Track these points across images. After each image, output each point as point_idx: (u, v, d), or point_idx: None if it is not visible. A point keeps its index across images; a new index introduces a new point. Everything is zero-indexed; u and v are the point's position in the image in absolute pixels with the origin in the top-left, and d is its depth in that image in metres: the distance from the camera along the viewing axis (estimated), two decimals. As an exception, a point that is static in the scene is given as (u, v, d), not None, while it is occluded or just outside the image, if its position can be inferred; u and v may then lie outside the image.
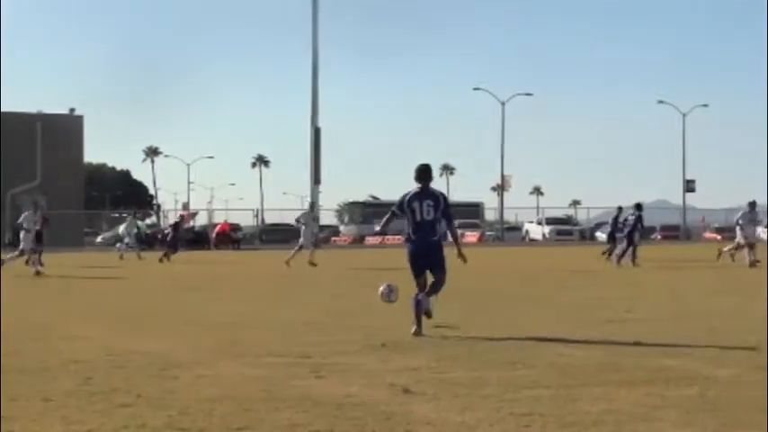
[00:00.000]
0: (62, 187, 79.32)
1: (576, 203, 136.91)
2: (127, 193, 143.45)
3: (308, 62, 73.78)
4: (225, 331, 14.57)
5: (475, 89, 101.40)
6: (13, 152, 77.46)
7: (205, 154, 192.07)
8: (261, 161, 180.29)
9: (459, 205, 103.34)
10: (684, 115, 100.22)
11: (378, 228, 16.05)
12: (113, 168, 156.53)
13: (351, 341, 12.97)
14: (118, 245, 51.03)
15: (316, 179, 74.78)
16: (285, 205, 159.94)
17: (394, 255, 47.77)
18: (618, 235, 38.60)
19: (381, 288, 14.84)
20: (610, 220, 40.59)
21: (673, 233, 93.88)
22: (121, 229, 51.57)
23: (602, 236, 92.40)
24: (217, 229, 77.72)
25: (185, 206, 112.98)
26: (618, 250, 37.34)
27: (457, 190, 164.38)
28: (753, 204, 36.10)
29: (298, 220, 38.52)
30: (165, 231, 57.21)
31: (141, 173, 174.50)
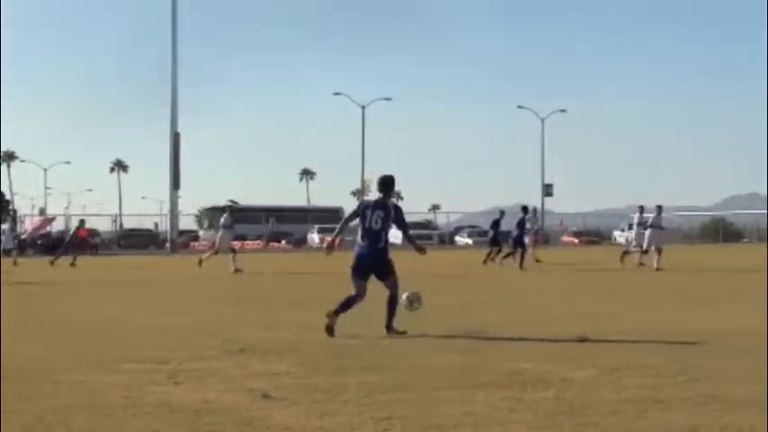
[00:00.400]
0: None
1: (435, 208, 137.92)
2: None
3: (168, 65, 73.10)
4: (83, 337, 14.37)
5: (335, 94, 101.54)
6: None
7: (62, 159, 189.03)
8: (119, 166, 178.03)
9: (318, 210, 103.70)
10: (543, 120, 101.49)
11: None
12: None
13: (210, 346, 12.86)
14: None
15: (175, 184, 74.10)
16: (144, 210, 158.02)
17: (252, 260, 47.66)
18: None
19: (404, 296, 15.01)
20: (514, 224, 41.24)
21: (533, 237, 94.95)
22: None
23: (462, 240, 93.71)
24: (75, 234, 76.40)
25: (42, 212, 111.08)
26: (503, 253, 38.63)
27: (317, 195, 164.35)
28: (660, 208, 36.95)
29: (225, 225, 37.74)
30: (22, 236, 56.10)
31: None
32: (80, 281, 32.24)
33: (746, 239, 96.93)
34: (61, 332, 15.11)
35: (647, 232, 36.58)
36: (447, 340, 13.52)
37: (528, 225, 40.73)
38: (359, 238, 14.98)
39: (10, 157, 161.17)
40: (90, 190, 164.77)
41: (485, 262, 40.06)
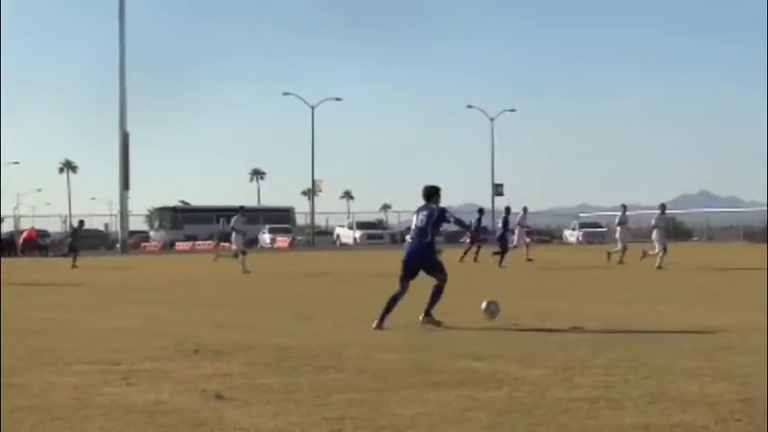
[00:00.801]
0: None
1: (386, 207, 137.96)
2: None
3: (116, 65, 72.68)
4: (34, 339, 14.26)
5: (285, 94, 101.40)
6: None
7: (10, 159, 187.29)
8: (68, 166, 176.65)
9: (269, 210, 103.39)
10: (492, 120, 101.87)
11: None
12: None
13: (163, 347, 12.83)
14: None
15: (125, 184, 73.74)
16: (94, 211, 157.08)
17: (203, 260, 47.54)
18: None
19: (484, 303, 16.09)
20: (500, 222, 42.19)
21: (481, 236, 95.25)
22: None
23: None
24: (23, 235, 76.08)
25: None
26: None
27: (267, 195, 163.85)
28: (663, 207, 37.07)
29: (234, 228, 37.37)
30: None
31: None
32: (29, 282, 31.99)
33: (696, 238, 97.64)
34: (10, 334, 14.98)
35: (654, 233, 36.70)
36: (399, 339, 13.53)
37: (515, 224, 42.84)
38: (408, 237, 16.45)
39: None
40: (39, 190, 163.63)
41: (461, 259, 40.94)
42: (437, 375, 10.26)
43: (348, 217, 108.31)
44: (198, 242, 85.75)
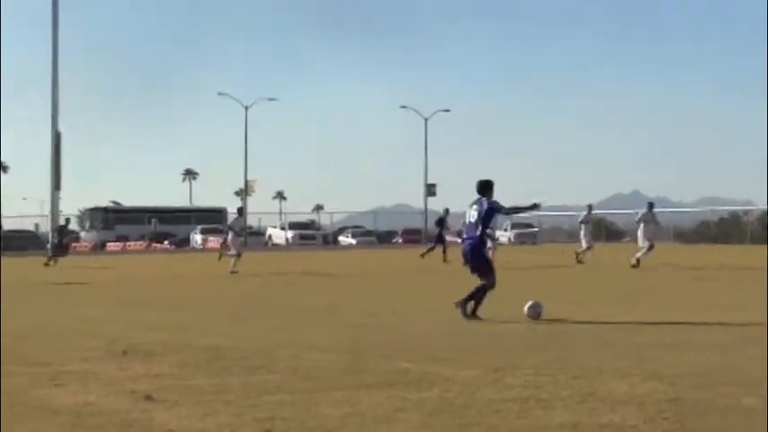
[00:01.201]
0: None
1: (319, 208, 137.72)
2: None
3: (48, 64, 71.96)
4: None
5: (219, 94, 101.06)
6: None
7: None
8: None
9: (201, 210, 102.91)
10: (426, 120, 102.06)
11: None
12: None
13: (92, 348, 12.72)
14: None
15: (56, 185, 73.02)
16: (25, 211, 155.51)
17: (134, 261, 47.28)
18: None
19: (527, 306, 16.24)
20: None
21: (414, 237, 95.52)
22: None
23: (345, 240, 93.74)
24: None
25: None
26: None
27: (200, 195, 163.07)
28: (651, 205, 36.51)
29: (231, 228, 37.61)
30: None
31: None
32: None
33: (628, 238, 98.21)
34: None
35: (641, 228, 36.93)
36: (331, 340, 13.51)
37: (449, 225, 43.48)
38: (463, 234, 17.03)
39: None
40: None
41: (423, 255, 42.51)
42: (368, 376, 10.25)
43: (280, 217, 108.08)
44: (129, 243, 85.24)
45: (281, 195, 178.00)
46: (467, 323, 15.67)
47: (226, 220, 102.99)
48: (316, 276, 32.55)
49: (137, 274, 35.86)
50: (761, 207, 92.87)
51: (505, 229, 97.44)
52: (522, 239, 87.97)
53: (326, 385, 9.68)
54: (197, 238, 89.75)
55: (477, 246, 16.61)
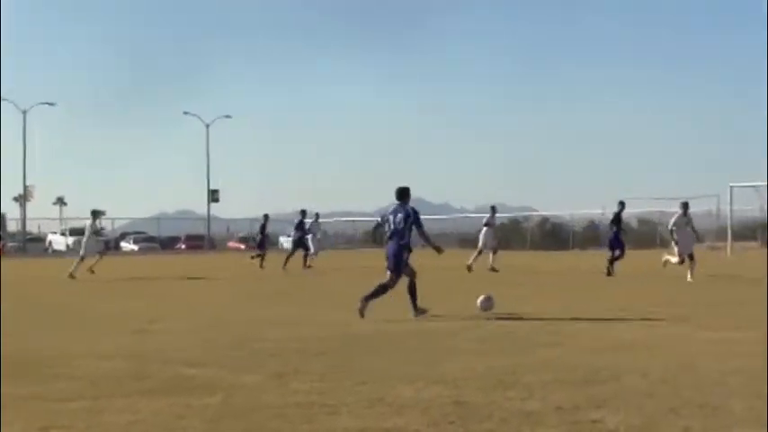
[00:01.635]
0: None
1: (100, 214, 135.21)
2: None
3: None
4: None
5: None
6: None
7: None
8: None
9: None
10: (208, 126, 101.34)
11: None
12: None
13: None
14: None
15: None
16: None
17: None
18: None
19: (480, 299, 18.00)
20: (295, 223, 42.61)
21: (197, 243, 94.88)
22: None
23: (127, 246, 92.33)
24: None
25: None
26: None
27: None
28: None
29: (309, 230, 39.37)
30: None
31: None
32: None
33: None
34: None
35: (483, 231, 37.65)
36: (113, 347, 13.25)
37: (312, 229, 42.96)
38: (387, 239, 18.10)
39: None
40: None
41: (253, 258, 42.71)
42: (150, 382, 10.09)
43: (61, 223, 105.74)
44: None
45: (61, 201, 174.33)
46: (251, 329, 15.55)
47: (5, 226, 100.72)
48: (93, 281, 31.95)
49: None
50: (541, 213, 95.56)
51: (289, 235, 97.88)
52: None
53: (109, 392, 9.48)
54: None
55: (401, 249, 17.83)
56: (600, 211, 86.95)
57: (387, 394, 9.25)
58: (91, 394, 9.41)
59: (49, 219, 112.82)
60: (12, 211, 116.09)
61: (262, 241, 43.73)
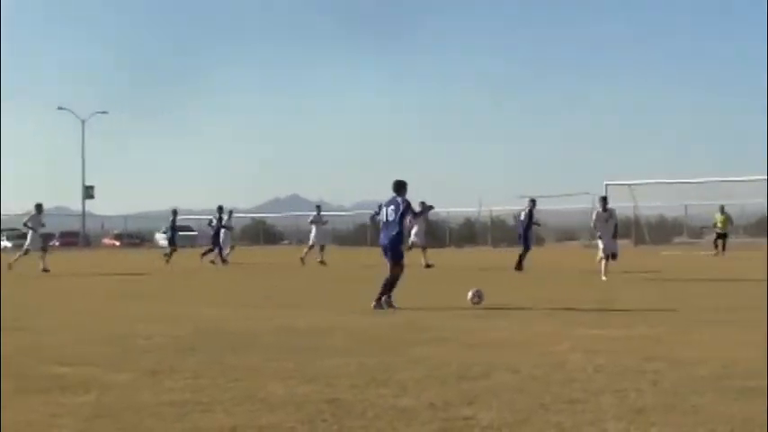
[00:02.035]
0: None
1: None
2: None
3: None
4: None
5: None
6: None
7: None
8: None
9: None
10: (84, 122, 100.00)
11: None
12: None
13: None
14: None
15: None
16: None
17: None
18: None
19: (470, 293, 18.76)
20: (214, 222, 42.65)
21: (72, 240, 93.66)
22: None
23: (5, 244, 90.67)
24: None
25: None
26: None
27: None
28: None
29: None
30: None
31: None
32: None
33: (287, 241, 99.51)
34: None
35: (414, 229, 37.27)
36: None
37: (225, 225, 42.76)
38: (381, 230, 19.05)
39: None
40: None
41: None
42: (23, 381, 9.97)
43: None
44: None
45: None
46: (123, 326, 15.44)
47: None
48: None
49: None
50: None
51: (164, 232, 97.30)
52: (181, 243, 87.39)
53: (-23, 392, 9.34)
54: None
55: (396, 240, 18.77)
56: (475, 209, 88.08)
57: (260, 391, 9.27)
58: (-40, 394, 9.28)
59: None
60: None
61: (172, 237, 43.74)
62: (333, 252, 44.01)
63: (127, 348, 12.71)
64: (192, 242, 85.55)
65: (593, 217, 29.04)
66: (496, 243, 77.94)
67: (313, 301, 20.43)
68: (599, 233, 28.64)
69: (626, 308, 18.06)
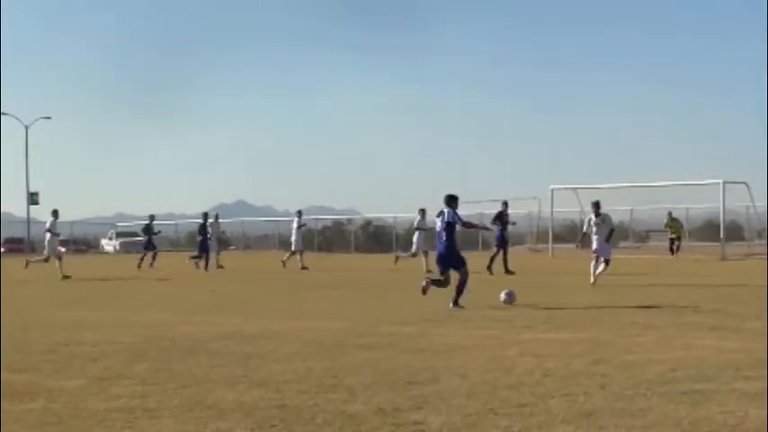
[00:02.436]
0: None
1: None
2: None
3: None
4: None
5: None
6: None
7: None
8: None
9: None
10: (27, 127, 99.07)
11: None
12: None
13: None
14: None
15: None
16: None
17: None
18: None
19: (503, 294, 19.90)
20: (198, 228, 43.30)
21: (17, 246, 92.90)
22: None
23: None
24: None
25: None
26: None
27: None
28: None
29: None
30: None
31: None
32: None
33: (234, 247, 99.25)
34: None
35: (416, 235, 38.24)
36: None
37: (210, 231, 43.14)
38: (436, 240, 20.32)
39: None
40: None
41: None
42: (-32, 389, 9.87)
43: None
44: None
45: None
46: (69, 333, 15.34)
47: None
48: None
49: None
50: (364, 216, 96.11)
51: (110, 238, 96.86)
52: (127, 248, 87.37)
53: None
54: None
55: (449, 248, 19.70)
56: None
57: (209, 397, 9.24)
58: None
59: None
60: None
61: (149, 242, 43.97)
62: (277, 256, 44.06)
63: (73, 354, 12.63)
64: (139, 248, 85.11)
65: (586, 222, 28.23)
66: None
67: (262, 307, 20.36)
68: (595, 237, 27.52)
69: (575, 311, 18.13)
